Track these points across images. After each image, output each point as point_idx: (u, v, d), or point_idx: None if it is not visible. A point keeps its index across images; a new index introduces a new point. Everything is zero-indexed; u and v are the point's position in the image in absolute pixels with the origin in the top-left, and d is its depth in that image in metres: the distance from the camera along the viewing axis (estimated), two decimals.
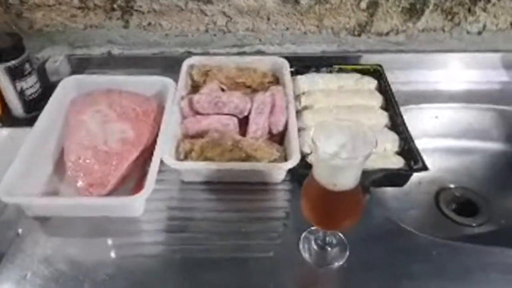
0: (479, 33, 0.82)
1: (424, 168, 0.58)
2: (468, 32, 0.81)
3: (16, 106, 0.75)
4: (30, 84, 0.74)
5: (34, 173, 0.61)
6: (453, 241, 0.67)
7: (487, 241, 0.68)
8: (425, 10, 0.78)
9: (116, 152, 0.62)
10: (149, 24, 0.81)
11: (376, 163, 0.60)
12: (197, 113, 0.68)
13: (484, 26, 0.81)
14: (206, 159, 0.60)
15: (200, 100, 0.67)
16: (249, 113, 0.67)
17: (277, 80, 0.77)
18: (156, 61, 0.84)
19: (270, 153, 0.61)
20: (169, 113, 0.67)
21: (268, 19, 0.80)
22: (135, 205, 0.56)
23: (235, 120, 0.67)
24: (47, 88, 0.76)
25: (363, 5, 0.78)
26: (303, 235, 0.54)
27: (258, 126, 0.65)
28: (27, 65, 0.73)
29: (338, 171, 0.42)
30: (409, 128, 0.77)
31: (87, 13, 0.79)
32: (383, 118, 0.69)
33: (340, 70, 0.78)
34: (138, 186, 0.62)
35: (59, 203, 0.59)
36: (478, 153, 0.80)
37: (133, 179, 0.63)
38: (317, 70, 0.78)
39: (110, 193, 0.60)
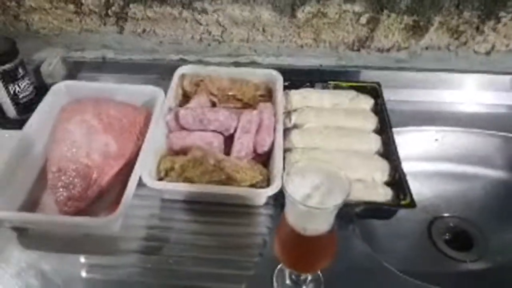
0: (487, 53, 0.77)
1: (412, 205, 0.55)
2: (475, 52, 0.77)
3: (9, 109, 0.76)
4: (23, 87, 0.74)
5: (18, 180, 0.61)
6: (441, 277, 0.65)
7: (480, 280, 0.65)
8: (429, 28, 0.74)
9: (97, 165, 0.62)
10: (144, 31, 0.79)
11: (362, 193, 0.57)
12: (183, 128, 0.66)
13: (493, 46, 0.76)
14: (186, 179, 0.59)
15: (185, 115, 0.65)
16: (235, 131, 0.65)
17: (269, 93, 0.75)
18: (151, 67, 0.83)
19: (252, 176, 0.59)
20: (154, 126, 0.66)
21: (264, 31, 0.78)
22: (109, 224, 0.56)
23: (221, 137, 0.65)
24: (41, 90, 0.76)
25: (363, 20, 0.74)
26: (278, 268, 0.53)
27: (242, 145, 0.63)
28: (20, 69, 0.73)
29: (309, 217, 0.40)
30: (407, 151, 0.75)
31: (82, 18, 0.78)
32: (375, 143, 0.66)
33: (336, 86, 0.76)
34: (118, 200, 0.61)
35: (32, 219, 0.59)
36: (477, 180, 0.76)
37: (114, 192, 0.63)
38: (312, 85, 0.76)
39: (88, 207, 0.60)
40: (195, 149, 0.62)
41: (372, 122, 0.69)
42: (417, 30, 0.75)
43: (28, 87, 0.75)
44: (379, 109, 0.71)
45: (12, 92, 0.73)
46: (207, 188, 0.57)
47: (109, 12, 0.77)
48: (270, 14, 0.75)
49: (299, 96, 0.73)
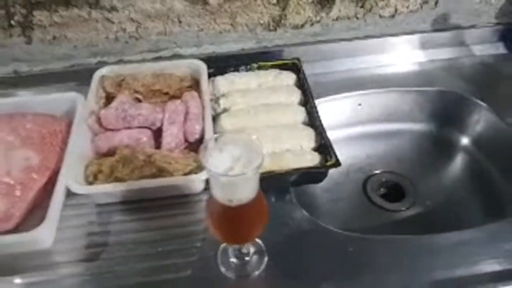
0: (392, 16, 0.82)
1: (337, 164, 0.57)
2: (381, 17, 0.82)
3: None
4: None
5: None
6: (380, 228, 0.69)
7: (413, 224, 0.70)
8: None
9: (20, 182, 0.58)
10: (54, 37, 0.76)
11: (292, 162, 0.59)
12: (107, 129, 0.65)
13: (396, 10, 0.81)
14: (116, 179, 0.58)
15: (106, 115, 0.64)
16: (162, 123, 0.64)
17: (197, 83, 0.75)
18: (69, 75, 0.80)
19: (186, 164, 0.59)
20: (76, 131, 0.64)
21: (180, 21, 0.77)
22: (40, 238, 0.53)
23: (148, 132, 0.64)
24: None
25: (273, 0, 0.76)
26: (220, 248, 0.53)
27: (172, 137, 0.63)
28: None
29: (231, 187, 0.41)
30: (334, 118, 0.78)
31: None
32: (300, 114, 0.68)
33: (259, 68, 0.77)
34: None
35: None
36: (403, 135, 0.82)
37: (44, 207, 0.60)
38: (236, 70, 0.77)
39: (17, 226, 0.57)
40: (123, 148, 0.61)
41: (296, 96, 0.72)
42: (325, 3, 0.78)
43: None
44: (301, 83, 0.74)
45: None
46: (138, 184, 0.56)
47: (12, 22, 0.72)
48: (181, 3, 0.74)
49: (225, 81, 0.74)
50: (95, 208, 0.60)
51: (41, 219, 0.58)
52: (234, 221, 0.43)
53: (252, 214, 0.44)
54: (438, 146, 0.81)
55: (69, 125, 0.67)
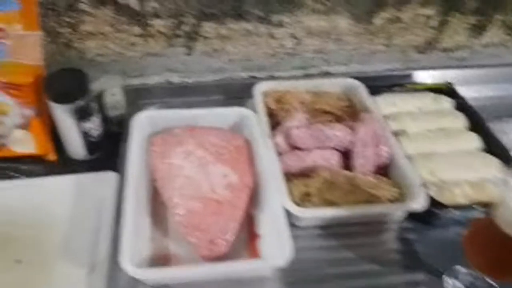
0: None
1: None
2: None
3: (78, 148, 0.67)
4: (96, 124, 0.66)
5: (140, 230, 0.55)
6: None
7: None
8: (490, 26, 0.79)
9: (227, 200, 0.57)
10: (214, 50, 0.75)
11: (494, 192, 0.60)
12: (295, 147, 0.64)
13: None
14: (327, 202, 0.57)
15: (300, 134, 0.63)
16: (353, 145, 0.64)
17: (351, 103, 0.75)
18: (218, 88, 0.79)
19: (389, 190, 0.59)
20: (262, 149, 0.63)
21: (338, 39, 0.77)
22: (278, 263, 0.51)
23: (338, 154, 0.64)
24: (107, 125, 0.69)
25: (434, 22, 0.77)
26: (446, 271, 0.53)
27: (365, 160, 0.62)
28: (92, 104, 0.65)
29: None
30: None
31: (147, 41, 0.71)
32: (475, 140, 0.68)
33: (412, 90, 0.78)
34: (252, 235, 0.58)
35: (196, 273, 0.53)
36: None
37: (245, 228, 0.59)
38: (390, 90, 0.77)
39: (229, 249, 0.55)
40: (322, 170, 0.60)
41: (462, 120, 0.72)
42: (478, 29, 0.79)
43: (99, 123, 0.68)
44: (463, 107, 0.74)
45: (84, 130, 0.65)
46: (360, 210, 0.56)
47: (179, 32, 0.71)
48: (347, 22, 0.74)
49: (385, 102, 0.74)
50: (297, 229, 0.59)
51: (242, 242, 0.57)
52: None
53: None
54: None
55: (246, 140, 0.66)
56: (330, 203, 0.57)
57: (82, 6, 0.65)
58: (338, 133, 0.63)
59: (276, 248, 0.51)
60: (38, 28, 0.63)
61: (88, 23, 0.67)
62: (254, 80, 0.78)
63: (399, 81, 0.79)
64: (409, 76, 0.82)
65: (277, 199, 0.56)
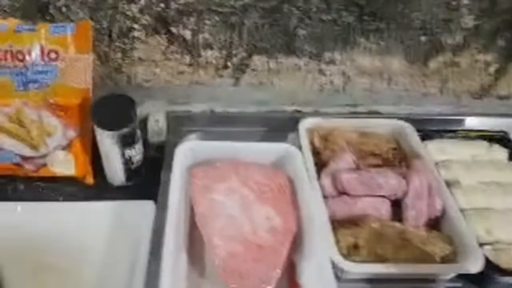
0: None
1: None
2: None
3: (117, 174, 0.66)
4: (138, 151, 0.65)
5: (176, 268, 0.52)
6: None
7: None
8: None
9: (269, 244, 0.54)
10: (260, 83, 0.74)
11: None
12: (343, 193, 0.61)
13: None
14: (377, 256, 0.53)
15: (350, 180, 0.60)
16: (405, 196, 0.60)
17: (399, 145, 0.71)
18: (261, 120, 0.77)
19: (441, 246, 0.55)
20: (307, 190, 0.60)
21: (390, 79, 0.75)
22: None
23: (388, 203, 0.60)
24: (145, 150, 0.68)
25: (492, 69, 0.74)
26: None
27: (417, 211, 0.59)
28: (137, 131, 0.64)
29: None
30: None
31: (196, 70, 0.71)
32: None
33: (465, 136, 0.74)
34: (292, 283, 0.55)
35: None
36: None
37: (285, 275, 0.55)
38: (440, 136, 0.73)
39: None
40: (372, 220, 0.57)
41: None
42: None
43: (141, 150, 0.67)
44: None
45: (127, 157, 0.64)
46: (412, 269, 0.52)
47: (228, 63, 0.70)
48: (401, 62, 0.72)
49: (435, 148, 0.70)
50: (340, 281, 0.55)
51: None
52: None
53: None
54: None
55: (288, 178, 0.64)
56: (379, 257, 0.53)
57: (136, 34, 0.65)
58: (392, 181, 0.60)
59: None
60: (90, 52, 0.64)
61: (140, 50, 0.67)
62: (298, 114, 0.76)
63: (450, 126, 0.75)
64: (461, 121, 0.78)
65: (323, 248, 0.53)
